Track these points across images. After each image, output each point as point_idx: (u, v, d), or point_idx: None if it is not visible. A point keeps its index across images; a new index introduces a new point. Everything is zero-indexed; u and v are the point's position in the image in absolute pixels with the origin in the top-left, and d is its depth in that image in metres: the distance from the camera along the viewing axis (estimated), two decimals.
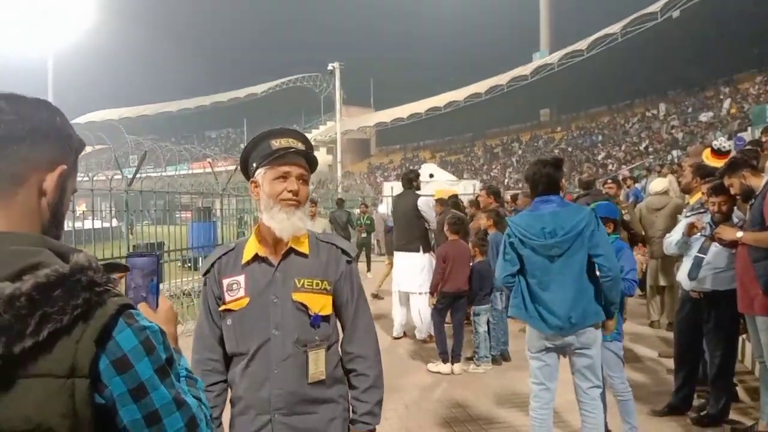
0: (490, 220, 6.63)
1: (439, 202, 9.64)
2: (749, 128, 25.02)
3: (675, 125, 37.92)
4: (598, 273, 3.38)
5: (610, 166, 35.91)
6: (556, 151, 44.73)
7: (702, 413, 4.43)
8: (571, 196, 9.84)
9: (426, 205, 7.37)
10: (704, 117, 35.76)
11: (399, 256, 7.47)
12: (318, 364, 1.87)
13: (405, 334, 7.48)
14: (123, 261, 1.15)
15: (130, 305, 0.97)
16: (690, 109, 39.42)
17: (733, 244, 3.99)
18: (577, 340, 3.39)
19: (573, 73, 47.58)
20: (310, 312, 1.87)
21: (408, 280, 7.32)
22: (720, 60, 39.36)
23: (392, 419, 4.74)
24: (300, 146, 1.91)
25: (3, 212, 0.98)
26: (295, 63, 72.60)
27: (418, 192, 7.54)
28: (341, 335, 2.04)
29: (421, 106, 60.85)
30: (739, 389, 4.86)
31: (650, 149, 35.84)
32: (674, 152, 30.74)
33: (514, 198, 10.88)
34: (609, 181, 10.08)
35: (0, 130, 0.97)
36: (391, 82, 71.52)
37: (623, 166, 32.63)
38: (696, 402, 4.64)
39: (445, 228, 6.42)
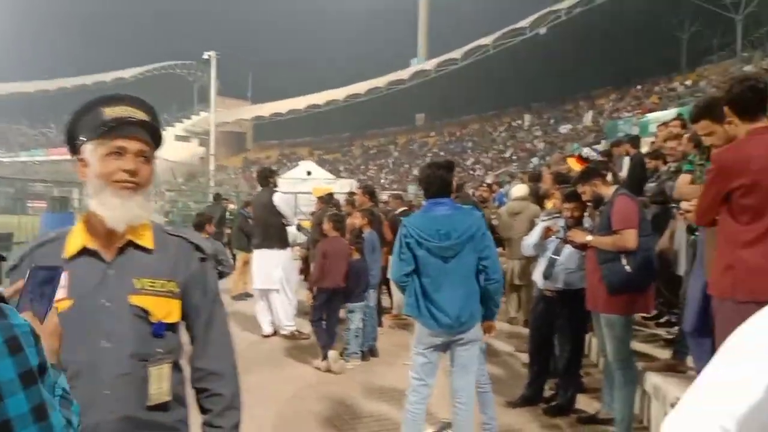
0: (366, 219, 6.72)
1: (320, 199, 9.65)
2: (603, 141, 27.33)
3: (537, 135, 40.54)
4: (482, 276, 3.57)
5: (477, 172, 37.68)
6: (429, 155, 46.21)
7: (552, 404, 4.77)
8: None
9: (282, 201, 7.40)
10: (564, 129, 38.56)
11: (257, 254, 7.44)
12: (161, 383, 1.53)
13: (276, 332, 7.40)
14: None
15: (1, 297, 0.88)
16: (551, 121, 42.33)
17: (583, 247, 4.32)
18: (464, 335, 3.57)
19: (447, 81, 49.46)
20: (151, 319, 1.53)
21: (266, 277, 7.30)
22: (580, 76, 42.70)
23: (261, 417, 4.67)
24: (141, 116, 1.56)
25: None
26: (169, 49, 69.24)
27: (275, 189, 7.55)
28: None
29: (300, 102, 60.49)
30: (585, 381, 5.28)
31: (514, 157, 38.07)
32: (534, 160, 32.85)
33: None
34: (485, 185, 10.61)
35: None
36: (270, 77, 70.30)
37: (489, 172, 34.36)
38: (547, 393, 4.98)
39: (326, 225, 6.42)
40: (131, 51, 74.75)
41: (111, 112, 1.53)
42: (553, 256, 4.70)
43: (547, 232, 4.75)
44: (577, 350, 4.81)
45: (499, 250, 7.92)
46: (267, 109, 63.09)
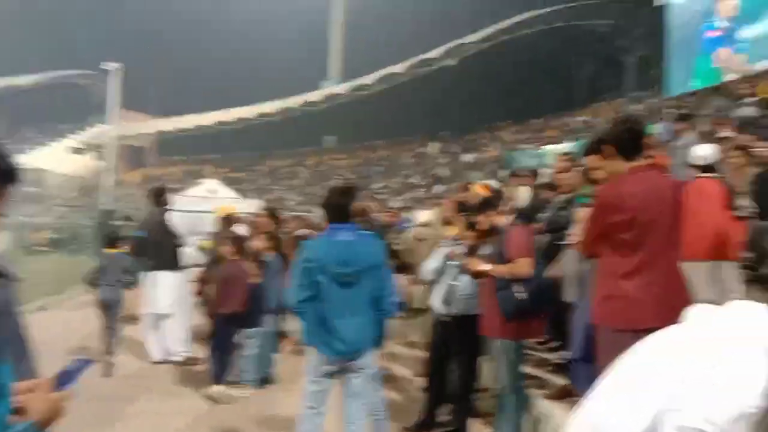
0: (268, 242, 6.58)
1: (222, 220, 9.35)
2: (504, 171, 28.48)
3: (443, 163, 41.65)
4: (375, 305, 3.58)
5: (385, 196, 38.10)
6: (339, 177, 46.31)
7: (446, 429, 4.81)
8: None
9: (177, 220, 7.24)
10: (468, 158, 39.84)
11: (150, 276, 7.10)
12: None
13: (167, 359, 7.06)
14: None
15: None
16: (456, 150, 43.66)
17: (480, 275, 4.44)
18: (357, 362, 3.57)
19: (359, 105, 49.94)
20: None
21: (160, 300, 7.00)
22: (484, 108, 44.48)
23: None
24: None
25: None
26: (69, 58, 65.66)
27: (167, 207, 7.32)
28: None
29: (208, 118, 59.04)
30: (478, 405, 5.36)
31: (421, 183, 38.84)
32: (437, 187, 33.60)
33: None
34: (390, 209, 10.75)
35: None
36: (177, 91, 68.14)
37: (396, 197, 34.85)
38: (443, 418, 5.02)
39: (226, 247, 6.24)
40: (28, 57, 70.31)
41: None
42: (451, 282, 4.79)
43: (447, 258, 4.84)
44: (472, 375, 4.90)
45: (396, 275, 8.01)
46: (172, 123, 61.08)
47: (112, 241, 6.92)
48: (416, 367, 6.78)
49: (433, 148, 45.62)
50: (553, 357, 5.71)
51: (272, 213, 7.86)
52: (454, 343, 4.82)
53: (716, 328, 1.87)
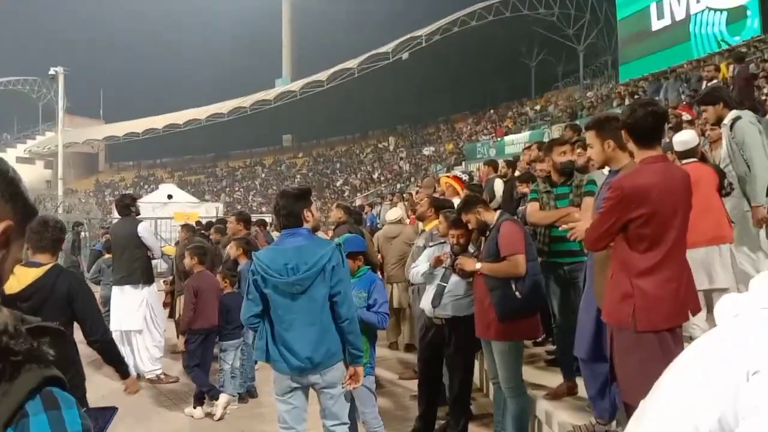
0: (240, 248, 6.28)
1: (184, 228, 8.94)
2: (463, 162, 28.56)
3: (403, 157, 41.59)
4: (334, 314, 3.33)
5: (347, 193, 37.85)
6: (298, 176, 45.85)
7: None
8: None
9: (147, 231, 6.81)
10: (427, 151, 39.88)
11: (117, 291, 6.72)
12: None
13: (139, 377, 6.71)
14: None
15: (57, 379, 0.85)
16: (415, 144, 43.66)
17: (471, 275, 4.26)
18: (322, 379, 3.32)
19: (314, 102, 49.39)
20: None
21: (129, 317, 6.63)
22: (440, 100, 44.58)
23: None
24: None
25: None
26: (11, 65, 63.11)
27: (138, 217, 6.95)
28: None
29: (158, 121, 57.55)
30: (472, 407, 5.22)
31: (382, 178, 38.69)
32: (399, 184, 33.53)
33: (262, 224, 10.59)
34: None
35: None
36: (125, 95, 66.34)
37: (359, 194, 34.60)
38: (438, 424, 4.85)
39: (189, 259, 5.93)
40: None
41: None
42: (441, 284, 4.60)
43: (438, 262, 4.64)
44: (467, 377, 4.72)
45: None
46: (121, 128, 59.30)
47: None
48: (401, 370, 6.60)
49: (392, 142, 45.57)
50: (542, 351, 5.58)
51: (243, 218, 7.53)
52: (447, 346, 4.65)
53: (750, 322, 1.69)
